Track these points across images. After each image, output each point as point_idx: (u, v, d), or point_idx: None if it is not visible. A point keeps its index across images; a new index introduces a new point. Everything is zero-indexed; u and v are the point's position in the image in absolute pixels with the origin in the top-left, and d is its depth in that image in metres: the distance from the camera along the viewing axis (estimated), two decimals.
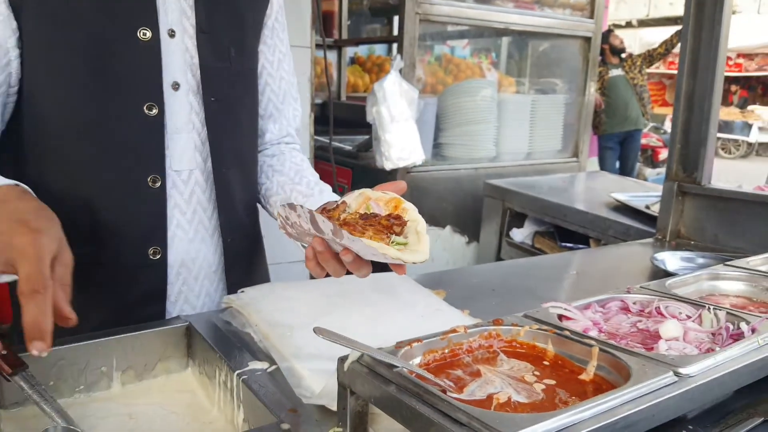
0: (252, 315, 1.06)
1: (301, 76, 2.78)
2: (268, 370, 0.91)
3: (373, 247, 0.82)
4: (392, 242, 0.88)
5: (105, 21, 1.04)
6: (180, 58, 1.12)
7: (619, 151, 7.09)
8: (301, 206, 0.86)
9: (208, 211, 1.20)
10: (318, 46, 2.92)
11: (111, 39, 1.05)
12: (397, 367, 0.67)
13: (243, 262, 1.29)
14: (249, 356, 0.95)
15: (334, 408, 0.76)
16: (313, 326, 0.99)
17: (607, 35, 6.85)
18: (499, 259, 2.98)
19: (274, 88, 1.33)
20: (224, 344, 0.99)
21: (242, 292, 1.16)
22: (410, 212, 0.92)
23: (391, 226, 0.90)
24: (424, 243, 0.88)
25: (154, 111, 1.09)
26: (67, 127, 1.06)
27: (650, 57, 7.09)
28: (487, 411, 0.60)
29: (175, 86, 1.12)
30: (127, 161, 1.09)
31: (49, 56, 1.03)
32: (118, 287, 1.12)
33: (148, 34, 1.07)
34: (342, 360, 0.71)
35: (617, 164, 7.11)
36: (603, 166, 6.85)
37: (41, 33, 1.01)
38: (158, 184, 1.11)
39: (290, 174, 1.28)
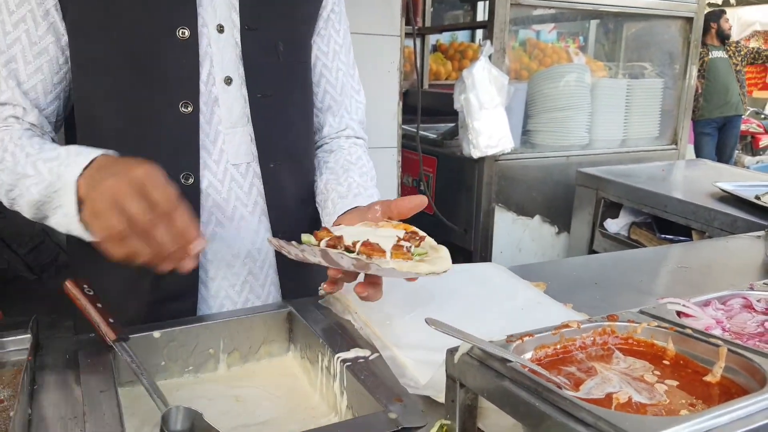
0: (351, 301, 1.06)
1: (390, 65, 2.78)
2: (371, 357, 0.91)
3: (404, 271, 0.84)
4: (414, 255, 0.90)
5: (144, 20, 1.06)
6: (231, 53, 1.12)
7: (717, 137, 6.72)
8: (297, 244, 0.89)
9: (249, 206, 1.19)
10: (406, 35, 2.91)
11: (150, 37, 1.06)
12: (511, 361, 0.65)
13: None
14: (351, 342, 0.95)
15: (441, 400, 0.76)
16: (412, 316, 1.00)
17: (719, 16, 6.49)
18: (591, 250, 2.89)
19: (330, 80, 1.30)
20: (326, 330, 1.00)
21: None
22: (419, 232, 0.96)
23: (409, 238, 0.93)
24: (444, 251, 0.91)
25: (189, 108, 1.09)
26: (109, 124, 1.09)
27: (755, 55, 6.67)
28: (613, 411, 0.57)
29: (228, 81, 1.12)
30: (158, 158, 1.03)
31: (90, 55, 1.06)
32: (149, 279, 1.11)
33: (187, 32, 1.07)
34: (452, 352, 0.70)
35: (714, 152, 6.74)
36: (699, 153, 6.52)
37: (84, 32, 1.05)
38: (191, 181, 1.11)
39: (338, 171, 1.25)
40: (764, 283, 0.92)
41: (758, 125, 10.23)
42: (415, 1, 5.66)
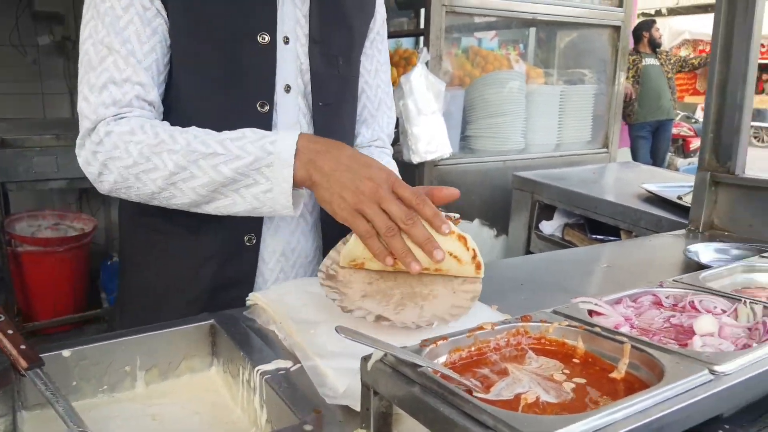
0: (277, 312, 1.05)
1: None
2: (292, 369, 0.89)
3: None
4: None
5: (233, 23, 1.14)
6: (292, 63, 1.21)
7: (651, 140, 7.00)
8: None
9: (309, 206, 1.28)
10: None
11: (236, 40, 1.14)
12: (422, 366, 0.65)
13: None
14: (273, 354, 0.94)
15: (359, 408, 0.75)
16: (338, 323, 0.99)
17: (650, 25, 6.77)
18: (528, 252, 2.94)
19: (369, 95, 1.40)
20: (248, 342, 0.98)
21: (267, 289, 1.16)
22: None
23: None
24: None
25: (266, 108, 1.18)
26: (192, 111, 1.15)
27: (683, 63, 7.00)
28: (514, 413, 0.58)
29: (287, 89, 1.21)
30: None
31: (186, 47, 1.13)
32: (212, 265, 1.22)
33: (267, 38, 1.16)
34: (365, 359, 0.70)
35: (649, 154, 7.02)
36: (635, 155, 6.78)
37: (183, 27, 1.12)
38: None
39: None
40: (673, 280, 0.95)
41: (689, 129, 10.67)
42: None
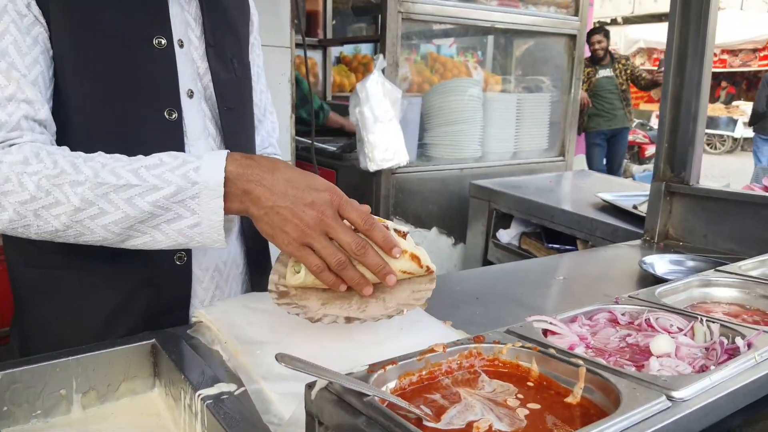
0: (221, 331, 1.00)
1: (281, 76, 2.72)
2: (236, 392, 0.85)
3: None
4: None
5: (124, 27, 1.05)
6: (190, 68, 1.15)
7: (607, 148, 7.16)
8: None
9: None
10: (299, 45, 2.87)
11: (131, 45, 1.07)
12: (368, 395, 0.61)
13: (262, 264, 1.31)
14: (216, 377, 0.89)
15: None
16: (282, 346, 0.95)
17: (589, 36, 6.90)
18: (486, 260, 2.93)
19: (255, 102, 1.35)
20: (190, 364, 0.93)
21: (212, 305, 1.11)
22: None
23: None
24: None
25: (174, 116, 1.11)
26: (91, 127, 1.05)
27: (635, 79, 7.14)
28: None
29: (190, 93, 1.15)
30: None
31: (75, 57, 1.02)
32: (144, 294, 1.12)
33: (164, 41, 1.10)
34: (309, 387, 0.66)
35: (605, 161, 7.17)
36: (590, 163, 6.93)
37: (67, 35, 1.01)
38: None
39: None
40: (629, 296, 0.94)
41: (644, 136, 10.93)
42: (315, 12, 5.64)
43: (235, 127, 1.23)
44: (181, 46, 1.14)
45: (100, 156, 0.96)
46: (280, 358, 0.63)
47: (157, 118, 1.09)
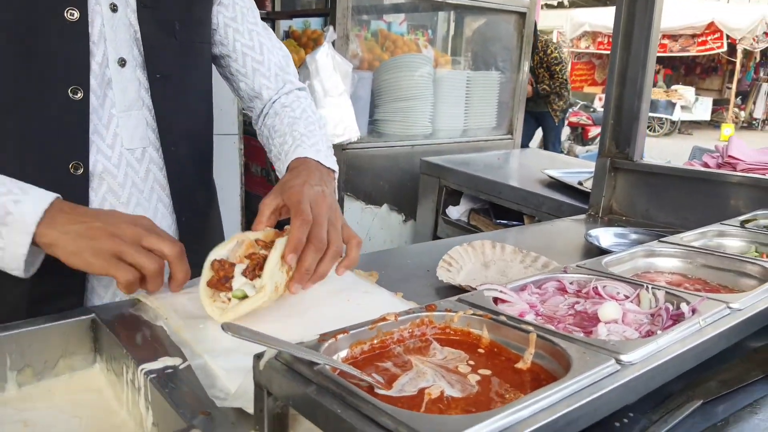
0: (162, 307, 0.97)
1: None
2: (181, 366, 0.82)
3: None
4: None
5: (31, 1, 0.98)
6: (125, 33, 1.08)
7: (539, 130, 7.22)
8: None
9: (166, 189, 1.18)
10: None
11: (37, 20, 0.99)
12: (318, 364, 0.60)
13: (200, 242, 1.22)
14: (160, 352, 0.86)
15: (251, 410, 0.69)
16: (221, 324, 0.93)
17: None
18: (435, 236, 2.95)
19: (245, 42, 1.28)
20: (133, 338, 0.90)
21: None
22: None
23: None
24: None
25: (79, 95, 1.04)
26: None
27: (548, 62, 6.99)
28: (416, 413, 0.54)
29: (122, 62, 1.09)
30: (45, 148, 1.02)
31: None
32: (18, 287, 1.03)
33: (76, 14, 1.02)
34: (258, 357, 0.64)
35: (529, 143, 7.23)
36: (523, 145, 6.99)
37: None
38: (80, 171, 1.05)
39: (284, 131, 1.23)
40: (577, 266, 0.95)
41: (587, 117, 11.16)
42: None
43: (170, 97, 1.16)
44: (114, 10, 1.06)
45: None
46: (227, 327, 0.61)
47: (60, 98, 1.02)
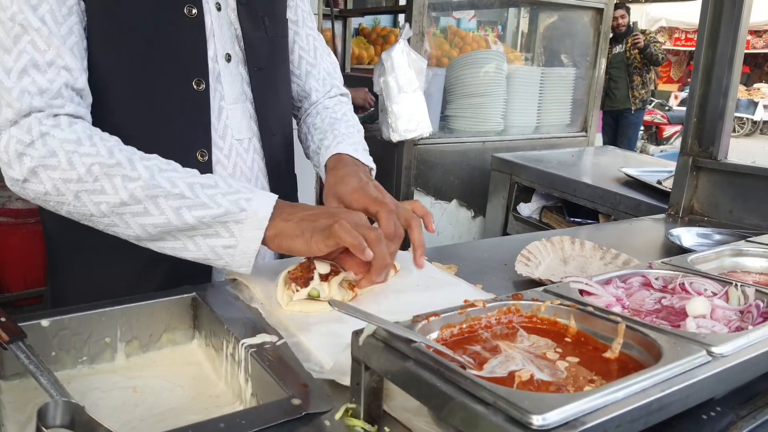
0: (257, 291, 1.03)
1: None
2: (278, 343, 0.88)
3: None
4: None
5: None
6: (228, 31, 1.15)
7: (616, 130, 7.07)
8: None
9: (267, 177, 1.25)
10: (325, 16, 2.86)
11: (161, 14, 1.06)
12: (415, 341, 0.63)
13: None
14: (258, 329, 0.92)
15: (345, 383, 0.74)
16: (321, 305, 0.98)
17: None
18: (505, 233, 2.95)
19: (302, 45, 1.35)
20: (232, 316, 0.96)
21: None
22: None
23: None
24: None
25: (202, 86, 1.11)
26: (119, 97, 1.06)
27: (648, 54, 6.86)
28: (513, 390, 0.57)
29: (228, 58, 1.15)
30: (174, 135, 1.10)
31: (106, 27, 1.02)
32: (161, 269, 1.12)
33: (194, 10, 1.09)
34: (357, 334, 0.68)
35: (611, 142, 7.08)
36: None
37: (100, 5, 1.01)
38: (206, 158, 1.13)
39: (325, 129, 1.29)
40: (662, 262, 0.95)
41: (662, 116, 10.80)
42: None
43: (265, 88, 1.22)
44: (219, 8, 1.14)
45: (156, 158, 0.98)
46: (334, 304, 0.66)
47: (185, 89, 1.09)
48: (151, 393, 0.89)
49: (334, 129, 1.27)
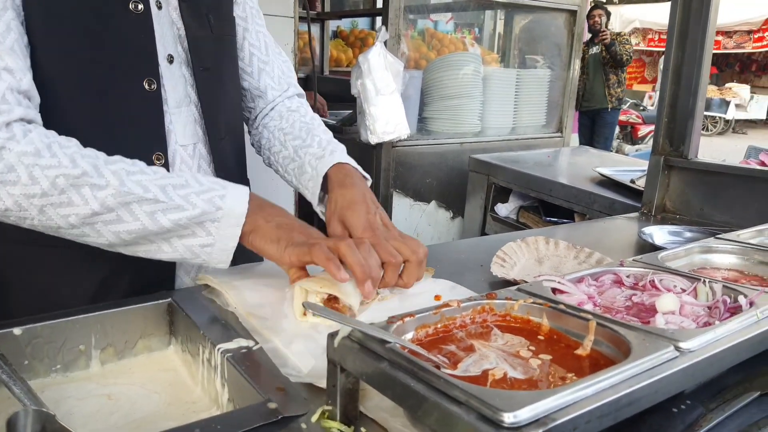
0: (230, 296, 1.03)
1: (284, 47, 2.71)
2: (254, 348, 0.88)
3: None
4: None
5: None
6: (169, 31, 1.11)
7: (591, 128, 7.18)
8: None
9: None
10: (301, 18, 2.86)
11: (105, 10, 1.01)
12: (390, 342, 0.64)
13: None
14: (234, 333, 0.91)
15: (323, 386, 0.74)
16: (286, 304, 0.98)
17: (590, 12, 6.84)
18: (483, 233, 2.97)
19: (253, 42, 1.30)
20: (208, 321, 0.96)
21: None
22: None
23: None
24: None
25: (153, 86, 1.07)
26: (69, 99, 1.01)
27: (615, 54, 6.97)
28: (485, 388, 0.57)
29: (170, 59, 1.11)
30: (129, 138, 1.05)
31: (46, 23, 0.96)
32: (130, 268, 1.10)
33: (140, 6, 1.04)
34: (332, 336, 0.68)
35: (587, 142, 7.18)
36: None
37: (38, 3, 0.96)
38: (162, 162, 1.09)
39: (302, 135, 1.25)
40: (633, 260, 0.97)
41: (637, 116, 10.95)
42: None
43: (213, 89, 1.18)
44: (159, 7, 1.09)
45: (120, 161, 0.94)
46: (308, 306, 0.66)
47: (136, 89, 1.05)
48: (127, 400, 0.89)
49: (313, 135, 1.24)
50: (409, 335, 0.72)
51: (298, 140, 1.24)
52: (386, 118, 2.91)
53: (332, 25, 5.93)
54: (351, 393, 0.69)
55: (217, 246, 0.96)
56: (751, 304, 0.76)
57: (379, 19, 6.96)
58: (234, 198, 0.96)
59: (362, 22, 7.17)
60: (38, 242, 1.03)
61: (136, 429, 0.82)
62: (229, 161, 1.23)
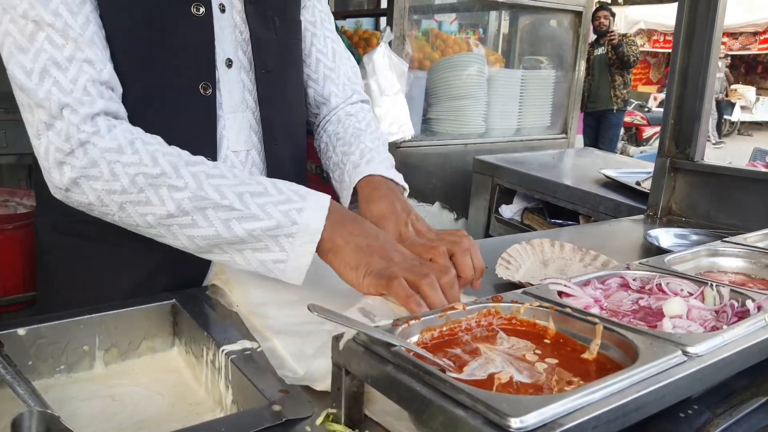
0: (234, 294, 1.02)
1: None
2: (258, 349, 0.87)
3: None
4: None
5: None
6: (231, 34, 1.10)
7: (597, 129, 7.16)
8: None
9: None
10: None
11: (167, 12, 1.01)
12: (395, 345, 0.64)
13: None
14: (238, 335, 0.91)
15: (319, 388, 0.74)
16: (294, 303, 0.98)
17: (595, 13, 6.83)
18: (487, 235, 2.96)
19: (320, 48, 1.28)
20: (212, 322, 0.95)
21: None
22: None
23: None
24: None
25: (209, 91, 1.06)
26: (128, 99, 1.00)
27: (622, 58, 6.94)
28: (492, 392, 0.57)
29: (228, 63, 1.09)
30: (179, 141, 1.01)
31: (112, 23, 0.97)
32: (169, 269, 1.10)
33: (202, 9, 1.03)
34: (337, 339, 0.68)
35: (593, 143, 7.16)
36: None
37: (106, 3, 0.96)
38: None
39: (350, 141, 1.23)
40: (640, 263, 0.96)
41: (642, 117, 10.92)
42: None
43: (272, 92, 1.16)
44: (222, 10, 1.08)
45: (203, 162, 0.93)
46: (313, 308, 0.66)
47: (191, 93, 1.04)
48: (131, 401, 0.89)
49: (359, 142, 1.21)
50: (415, 338, 0.72)
51: (346, 146, 1.22)
52: (390, 118, 2.91)
53: (336, 25, 5.93)
54: (356, 396, 0.69)
55: (290, 263, 0.91)
56: (759, 308, 0.76)
57: (383, 20, 6.96)
58: (311, 212, 0.91)
59: (366, 23, 7.16)
60: (86, 236, 1.06)
61: (140, 430, 0.82)
62: (283, 166, 1.20)
